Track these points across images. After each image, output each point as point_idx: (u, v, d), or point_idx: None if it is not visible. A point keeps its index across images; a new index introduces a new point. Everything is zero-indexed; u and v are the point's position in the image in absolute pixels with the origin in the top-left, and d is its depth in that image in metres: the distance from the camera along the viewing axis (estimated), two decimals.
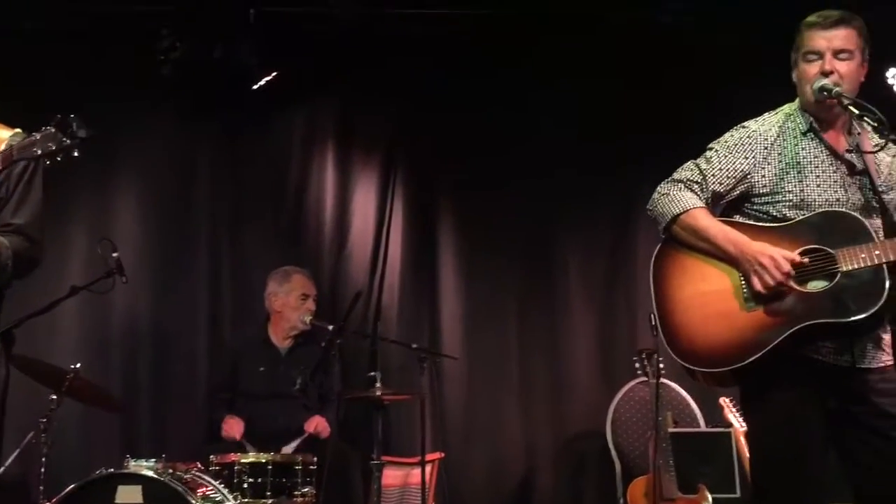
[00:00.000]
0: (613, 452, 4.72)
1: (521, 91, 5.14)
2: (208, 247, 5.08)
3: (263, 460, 3.84)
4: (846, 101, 2.42)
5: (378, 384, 3.95)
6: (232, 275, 5.07)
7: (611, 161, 5.05)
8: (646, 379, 4.48)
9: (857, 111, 2.39)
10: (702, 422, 4.68)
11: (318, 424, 4.26)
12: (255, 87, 4.86)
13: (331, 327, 4.06)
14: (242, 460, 3.83)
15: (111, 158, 4.94)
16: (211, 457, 3.89)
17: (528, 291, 5.22)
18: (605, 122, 5.09)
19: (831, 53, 2.46)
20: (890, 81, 4.80)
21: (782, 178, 2.49)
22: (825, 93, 2.45)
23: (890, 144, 2.47)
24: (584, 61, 5.01)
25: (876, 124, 2.32)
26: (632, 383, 4.77)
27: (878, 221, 2.42)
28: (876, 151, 2.47)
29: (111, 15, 4.81)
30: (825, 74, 2.45)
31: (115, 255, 3.78)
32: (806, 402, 2.40)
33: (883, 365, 2.44)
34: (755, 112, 2.65)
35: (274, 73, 4.84)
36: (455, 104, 5.17)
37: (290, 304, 4.51)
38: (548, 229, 5.27)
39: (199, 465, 3.82)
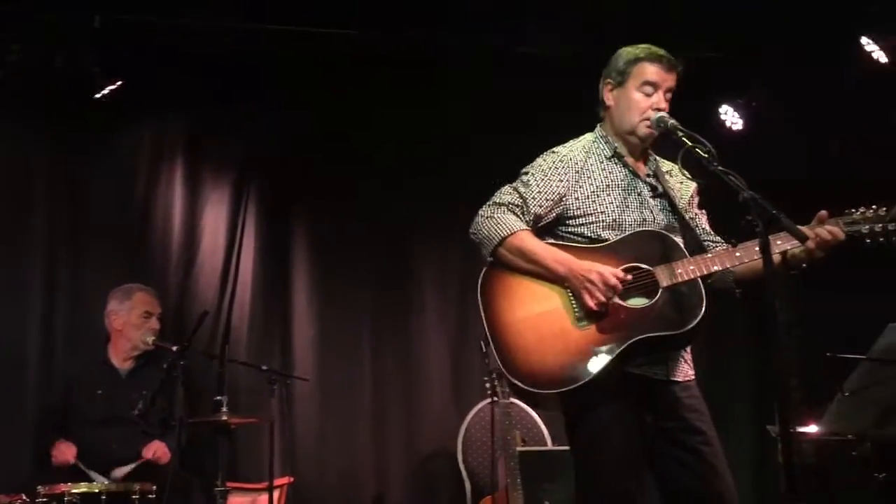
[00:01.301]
0: (464, 472, 4.76)
1: (376, 111, 5.15)
2: (43, 264, 4.76)
3: (97, 490, 3.62)
4: (681, 133, 2.55)
5: (224, 408, 3.82)
6: (69, 293, 4.77)
7: (465, 185, 5.12)
8: (496, 399, 4.55)
9: (689, 142, 2.52)
10: (549, 440, 4.80)
11: (156, 450, 4.07)
12: (97, 95, 4.61)
13: (175, 348, 3.89)
14: (73, 490, 3.59)
15: None
16: (38, 487, 3.62)
17: (382, 313, 5.22)
18: (458, 146, 5.18)
19: (663, 91, 2.62)
20: (722, 117, 5.16)
21: (594, 201, 2.60)
22: (662, 124, 2.58)
23: (674, 171, 2.66)
24: (432, 84, 5.08)
25: (706, 154, 2.46)
26: (482, 404, 4.83)
27: (681, 239, 2.56)
28: (700, 180, 2.63)
29: None
30: (658, 110, 2.59)
31: None
32: (628, 418, 2.48)
33: (689, 379, 2.58)
34: None
35: (119, 83, 4.62)
36: (309, 123, 5.12)
37: (131, 322, 4.31)
38: (403, 250, 5.30)
39: (24, 497, 3.56)
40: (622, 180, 2.63)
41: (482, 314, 2.57)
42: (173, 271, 4.95)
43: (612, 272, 2.44)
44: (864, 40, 4.56)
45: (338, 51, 4.79)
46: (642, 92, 2.61)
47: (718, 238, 2.67)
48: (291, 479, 4.49)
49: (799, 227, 2.36)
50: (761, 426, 4.55)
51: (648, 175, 2.67)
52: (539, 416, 4.83)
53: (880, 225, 2.41)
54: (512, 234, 2.55)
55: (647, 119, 2.60)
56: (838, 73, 4.77)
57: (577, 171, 2.62)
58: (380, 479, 5.03)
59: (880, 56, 4.55)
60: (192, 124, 5.12)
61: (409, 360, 5.21)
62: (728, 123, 5.17)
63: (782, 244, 2.40)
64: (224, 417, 3.80)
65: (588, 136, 2.73)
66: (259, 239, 5.13)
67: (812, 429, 3.39)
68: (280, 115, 5.08)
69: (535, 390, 2.48)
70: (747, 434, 5.12)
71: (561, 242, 2.60)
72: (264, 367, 4.33)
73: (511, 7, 4.60)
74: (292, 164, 5.18)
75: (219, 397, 3.84)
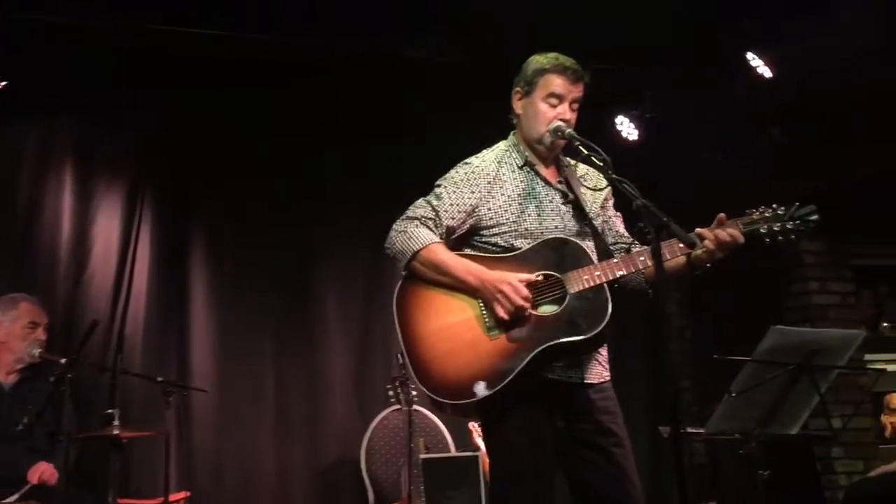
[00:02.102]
0: (367, 481, 4.73)
1: (278, 117, 5.07)
2: None
3: None
4: (577, 142, 2.61)
5: (116, 421, 3.69)
6: None
7: (367, 194, 5.11)
8: (400, 407, 4.54)
9: (586, 151, 2.58)
10: (452, 447, 4.81)
11: (42, 472, 3.84)
12: None
13: (63, 360, 3.72)
14: None
15: None
16: None
17: (284, 321, 5.14)
18: (363, 152, 5.16)
19: (569, 103, 2.67)
20: (619, 127, 5.31)
21: (506, 210, 2.64)
22: (560, 133, 2.64)
23: (589, 175, 2.73)
24: (336, 90, 5.04)
25: (601, 163, 2.52)
26: (386, 411, 4.82)
27: (591, 244, 2.63)
28: (601, 187, 2.72)
29: None
30: (563, 121, 2.64)
31: None
32: (542, 422, 2.52)
33: (604, 381, 2.64)
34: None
35: (3, 83, 4.40)
36: (209, 128, 5.00)
37: (15, 333, 4.10)
38: (305, 258, 5.24)
39: None
40: (533, 189, 2.66)
41: (397, 327, 2.59)
42: (62, 279, 4.74)
43: (522, 282, 2.49)
44: (749, 55, 4.77)
45: (238, 54, 4.70)
46: (548, 103, 2.65)
47: (632, 240, 2.72)
48: (188, 494, 4.37)
49: (698, 229, 2.44)
50: (656, 427, 4.68)
51: (559, 182, 2.71)
52: (443, 422, 4.85)
53: (779, 224, 2.51)
54: (424, 247, 2.57)
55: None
56: (727, 87, 4.98)
57: (490, 182, 2.65)
58: (281, 491, 4.94)
59: (765, 71, 4.77)
60: (84, 127, 4.93)
61: (312, 368, 5.14)
62: (624, 134, 5.32)
63: (684, 248, 2.47)
64: (116, 431, 3.66)
65: (501, 145, 2.76)
66: (155, 246, 4.98)
67: (700, 429, 3.51)
68: (177, 119, 4.95)
69: (447, 401, 2.51)
70: (642, 434, 5.26)
71: (475, 253, 2.63)
72: (159, 379, 4.19)
73: (410, 14, 4.61)
74: (190, 169, 5.05)
75: (110, 410, 3.71)
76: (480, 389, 2.46)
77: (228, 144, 5.05)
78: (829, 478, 5.15)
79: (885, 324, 5.94)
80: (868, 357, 5.32)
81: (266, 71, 4.89)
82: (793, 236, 2.51)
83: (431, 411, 4.83)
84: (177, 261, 5.04)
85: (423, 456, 4.45)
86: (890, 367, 5.32)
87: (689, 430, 3.64)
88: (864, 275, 5.78)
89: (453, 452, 4.77)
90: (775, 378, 3.20)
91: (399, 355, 2.70)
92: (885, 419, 5.63)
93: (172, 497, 4.11)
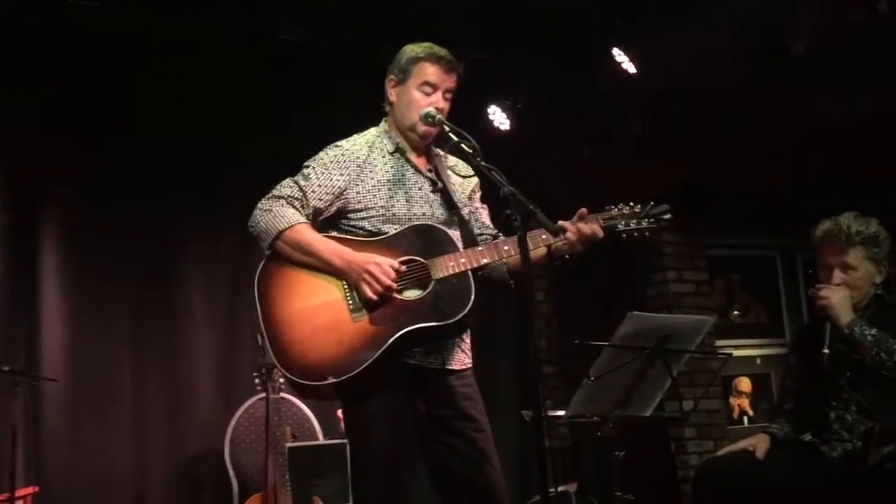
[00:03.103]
0: (231, 471, 4.62)
1: (134, 98, 4.85)
2: None
3: None
4: (447, 128, 2.62)
5: None
6: None
7: (232, 179, 4.96)
8: (266, 395, 4.45)
9: (455, 137, 2.60)
10: (320, 434, 4.76)
11: None
12: None
13: None
14: None
15: None
16: None
17: (143, 308, 4.93)
18: (226, 139, 5.01)
19: (442, 92, 2.69)
20: (490, 117, 5.38)
21: (374, 195, 2.64)
22: (430, 119, 2.65)
23: (458, 166, 2.77)
24: (202, 74, 4.88)
25: (471, 150, 2.54)
26: (252, 400, 4.72)
27: (458, 233, 2.66)
28: (469, 175, 2.76)
29: None
30: (437, 110, 2.65)
31: None
32: (401, 407, 2.53)
33: (465, 367, 2.67)
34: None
35: None
36: (58, 109, 4.72)
37: None
38: (166, 241, 5.04)
39: None
40: (403, 175, 2.67)
41: (258, 308, 2.55)
42: None
43: (389, 264, 2.49)
44: (615, 51, 4.92)
45: (93, 28, 4.43)
46: (422, 91, 2.67)
47: (496, 232, 2.77)
48: (37, 489, 4.16)
49: (560, 222, 2.50)
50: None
51: (429, 170, 2.73)
52: (311, 410, 4.79)
53: (634, 221, 2.60)
54: (290, 227, 2.54)
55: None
56: (593, 80, 5.13)
57: (359, 166, 2.64)
58: (139, 484, 4.76)
59: (629, 66, 4.94)
60: None
61: (174, 357, 4.97)
62: (496, 123, 5.39)
63: (547, 238, 2.53)
64: None
65: (373, 131, 2.75)
66: (1, 230, 4.66)
67: (562, 412, 3.61)
68: (24, 99, 4.65)
69: (307, 382, 2.49)
70: (510, 419, 5.37)
71: (342, 235, 2.62)
72: (6, 368, 3.97)
73: None
74: (39, 152, 4.76)
75: None
76: (340, 371, 2.44)
77: (81, 127, 4.79)
78: (682, 457, 5.41)
79: (735, 311, 6.29)
80: (719, 343, 5.61)
81: (124, 50, 4.64)
82: (647, 234, 2.62)
83: (299, 399, 4.76)
84: (25, 245, 4.73)
85: (288, 444, 4.39)
86: (738, 352, 5.65)
87: (552, 413, 3.74)
88: (718, 264, 6.09)
89: (321, 440, 4.72)
90: (631, 362, 3.32)
91: (258, 336, 2.64)
92: (734, 401, 5.98)
93: (19, 492, 3.94)
